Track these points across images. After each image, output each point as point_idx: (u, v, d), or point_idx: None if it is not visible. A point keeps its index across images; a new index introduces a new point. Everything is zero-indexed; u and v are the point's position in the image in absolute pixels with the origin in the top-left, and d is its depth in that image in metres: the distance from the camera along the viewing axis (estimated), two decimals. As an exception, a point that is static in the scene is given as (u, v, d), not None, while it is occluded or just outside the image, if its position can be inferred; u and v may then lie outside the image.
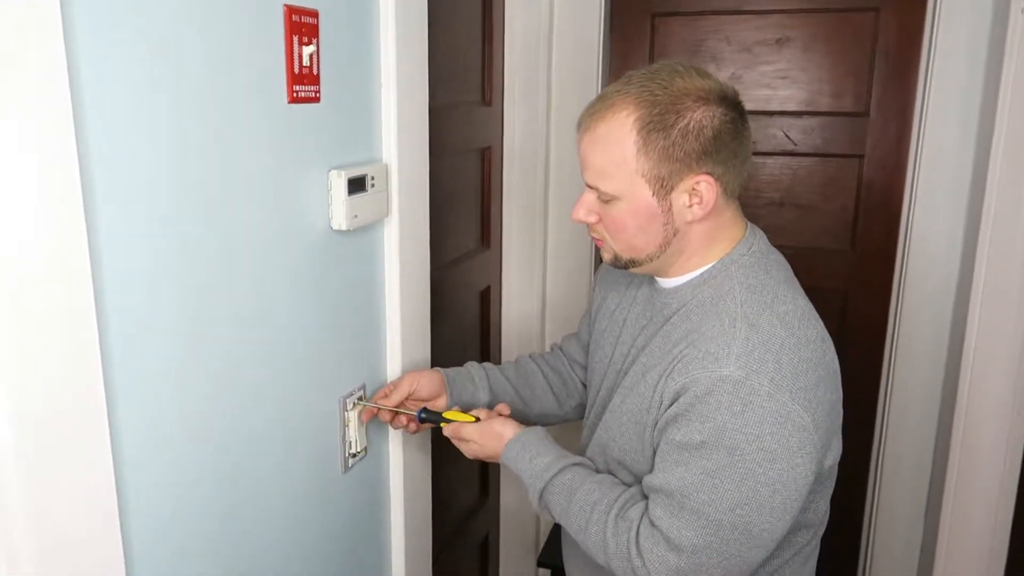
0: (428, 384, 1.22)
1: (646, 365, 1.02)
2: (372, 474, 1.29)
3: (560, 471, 1.06)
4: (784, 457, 0.89)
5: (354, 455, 1.21)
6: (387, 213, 1.19)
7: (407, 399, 1.22)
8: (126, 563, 0.79)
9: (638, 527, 0.96)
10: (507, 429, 1.12)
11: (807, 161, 1.91)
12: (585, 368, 1.31)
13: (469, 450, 1.15)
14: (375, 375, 1.26)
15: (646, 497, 0.99)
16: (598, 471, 1.09)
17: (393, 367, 1.29)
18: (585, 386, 1.32)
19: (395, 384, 1.22)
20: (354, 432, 1.19)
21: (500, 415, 1.16)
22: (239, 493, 0.97)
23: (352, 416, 1.18)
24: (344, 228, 1.07)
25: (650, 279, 1.09)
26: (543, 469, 1.07)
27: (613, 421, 1.05)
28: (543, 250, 1.99)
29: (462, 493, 1.87)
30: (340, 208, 1.06)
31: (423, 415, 1.20)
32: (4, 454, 0.65)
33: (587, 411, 1.19)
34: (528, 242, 1.96)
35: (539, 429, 1.12)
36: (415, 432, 1.24)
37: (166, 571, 0.86)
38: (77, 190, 0.68)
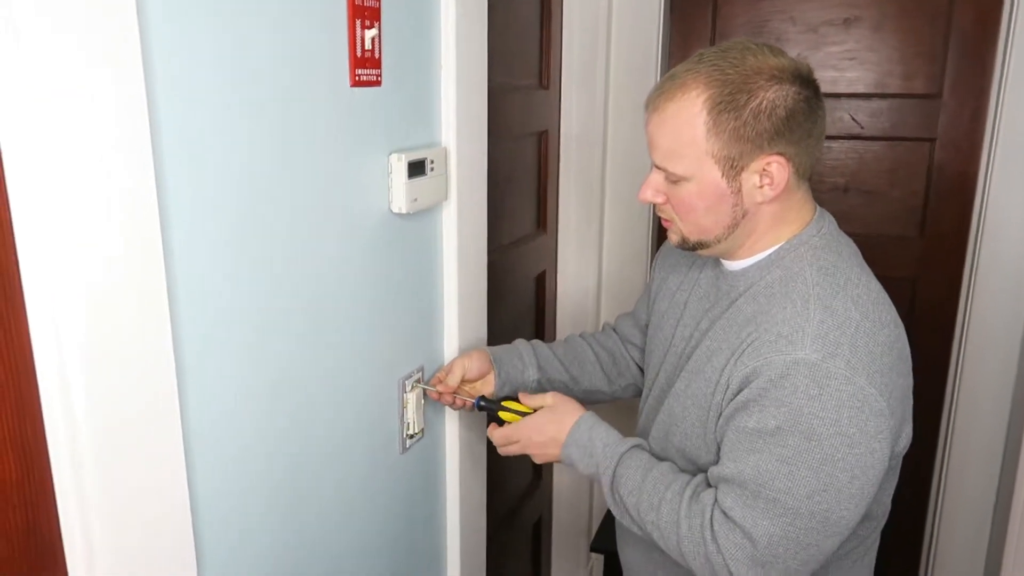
0: (477, 365, 1.21)
1: (711, 349, 1.00)
2: (429, 455, 1.30)
3: (638, 446, 1.06)
4: (862, 442, 0.88)
5: (412, 436, 1.22)
6: (446, 197, 1.19)
7: (461, 382, 1.22)
8: (195, 541, 0.81)
9: (711, 513, 0.94)
10: (576, 407, 1.11)
11: (874, 145, 1.85)
12: (640, 349, 1.30)
13: (520, 447, 1.12)
14: (433, 357, 1.27)
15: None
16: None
17: (450, 349, 1.29)
18: (640, 368, 1.31)
19: (447, 369, 1.22)
20: (412, 413, 1.20)
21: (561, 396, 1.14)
22: (303, 472, 0.99)
23: (410, 398, 1.19)
24: (404, 211, 1.07)
25: (715, 261, 1.08)
26: (621, 440, 1.06)
27: (677, 405, 1.04)
28: (599, 234, 1.98)
29: (516, 476, 1.88)
30: (400, 191, 1.06)
31: (481, 403, 1.19)
32: (79, 432, 0.66)
33: (644, 394, 1.18)
34: (584, 226, 1.95)
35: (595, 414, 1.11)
36: (471, 411, 1.24)
37: (234, 546, 0.88)
38: (150, 173, 0.69)
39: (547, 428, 1.11)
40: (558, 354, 1.29)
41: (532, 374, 1.26)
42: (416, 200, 1.09)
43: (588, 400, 1.32)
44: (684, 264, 1.16)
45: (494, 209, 1.46)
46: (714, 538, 0.94)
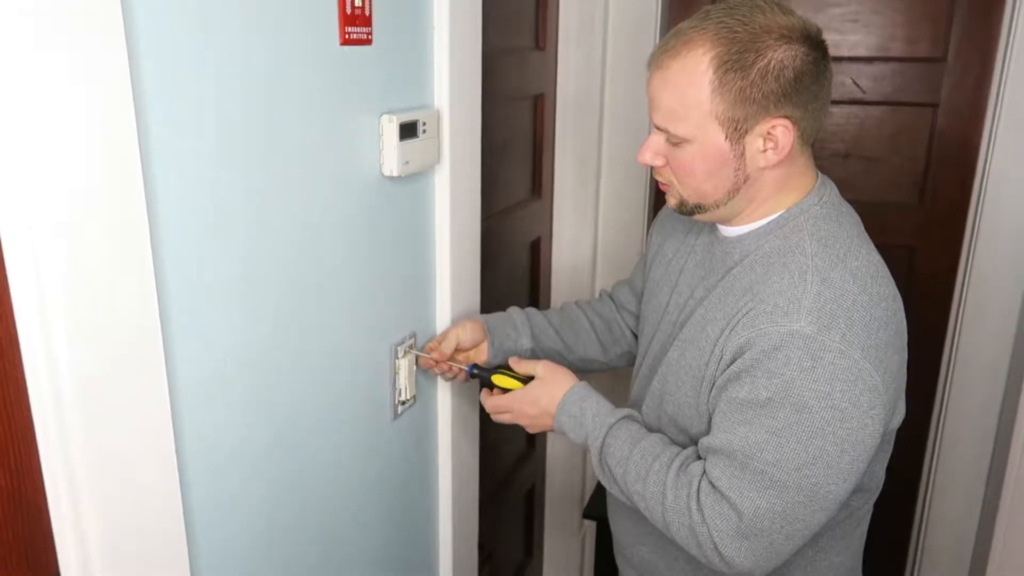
0: (471, 334, 1.22)
1: (705, 317, 1.00)
2: (421, 422, 1.30)
3: (628, 417, 1.06)
4: (854, 416, 0.87)
5: (403, 403, 1.22)
6: (438, 160, 1.18)
7: (454, 351, 1.22)
8: (184, 504, 0.81)
9: (699, 484, 0.95)
10: (568, 377, 1.11)
11: (876, 110, 1.84)
12: (636, 317, 1.29)
13: (512, 417, 1.13)
14: (425, 324, 1.27)
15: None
16: (650, 430, 1.08)
17: (442, 316, 1.29)
18: (635, 335, 1.31)
19: (441, 338, 1.22)
20: (404, 380, 1.20)
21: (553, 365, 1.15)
22: (294, 436, 0.99)
23: (402, 364, 1.19)
24: (395, 174, 1.07)
25: (711, 226, 1.07)
26: (610, 411, 1.07)
27: (670, 375, 1.04)
28: (595, 200, 1.97)
29: (509, 444, 1.88)
30: (391, 154, 1.05)
31: (474, 371, 1.20)
32: (64, 393, 0.66)
33: (638, 363, 1.18)
34: (581, 192, 1.94)
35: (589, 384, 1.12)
36: (463, 382, 1.25)
37: (224, 508, 0.89)
38: (132, 129, 0.68)
39: (539, 400, 1.11)
40: (552, 322, 1.29)
41: (526, 343, 1.26)
42: (408, 163, 1.08)
43: (583, 369, 1.32)
44: (681, 229, 1.15)
45: (488, 173, 1.45)
46: (699, 508, 0.94)
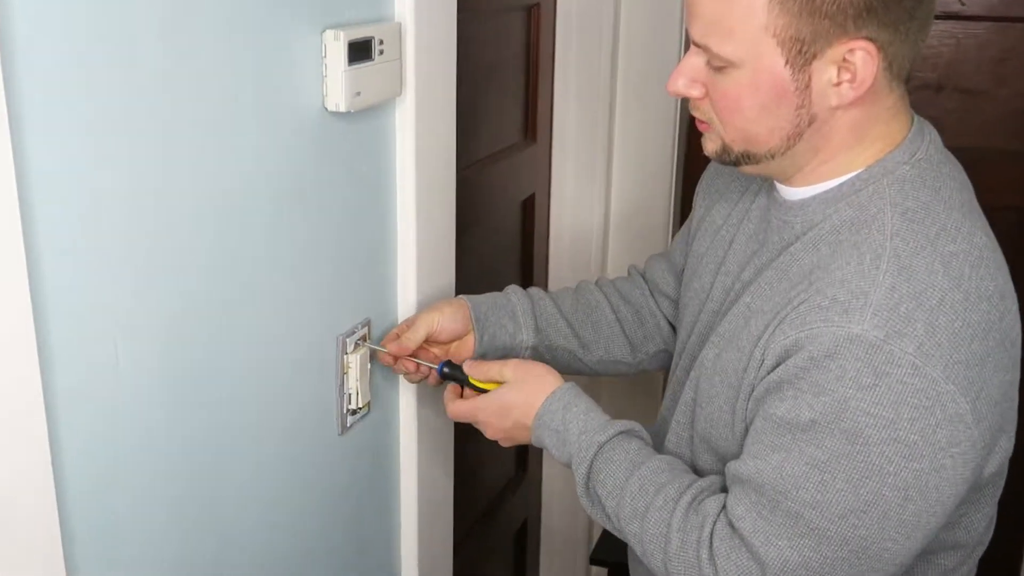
0: (450, 320, 1.22)
1: (751, 307, 1.00)
2: (378, 437, 1.31)
3: (626, 433, 1.07)
4: (925, 454, 0.87)
5: (354, 412, 1.23)
6: (400, 91, 1.18)
7: (426, 343, 1.23)
8: (62, 535, 0.81)
9: (713, 527, 0.96)
10: (547, 378, 1.13)
11: (978, 28, 1.84)
12: (675, 303, 1.30)
13: (483, 429, 1.16)
14: (383, 308, 1.27)
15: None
16: (674, 455, 1.10)
17: (406, 298, 1.30)
18: (674, 328, 1.32)
19: (409, 323, 1.23)
20: (355, 382, 1.21)
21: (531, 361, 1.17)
22: (207, 457, 0.99)
23: (353, 361, 1.20)
24: (342, 109, 1.07)
25: (770, 186, 1.07)
26: (602, 425, 1.08)
27: (703, 381, 1.05)
28: (608, 146, 1.98)
29: (494, 465, 1.89)
30: (337, 82, 1.05)
31: (445, 370, 1.21)
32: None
33: (673, 364, 1.19)
34: (588, 134, 1.94)
35: (577, 387, 1.14)
36: (435, 385, 1.25)
37: (111, 546, 0.89)
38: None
39: (511, 409, 1.13)
40: (564, 310, 1.30)
41: (527, 338, 1.27)
42: (359, 95, 1.08)
43: (602, 373, 1.35)
44: (735, 189, 1.15)
45: (466, 109, 1.46)
46: (712, 558, 0.95)
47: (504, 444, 1.17)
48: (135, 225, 0.85)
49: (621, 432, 1.07)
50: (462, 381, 1.20)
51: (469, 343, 1.24)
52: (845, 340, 0.87)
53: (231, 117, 0.94)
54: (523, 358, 1.26)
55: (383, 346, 1.23)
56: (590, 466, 1.06)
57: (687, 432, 1.09)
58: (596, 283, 1.36)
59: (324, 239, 1.12)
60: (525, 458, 2.03)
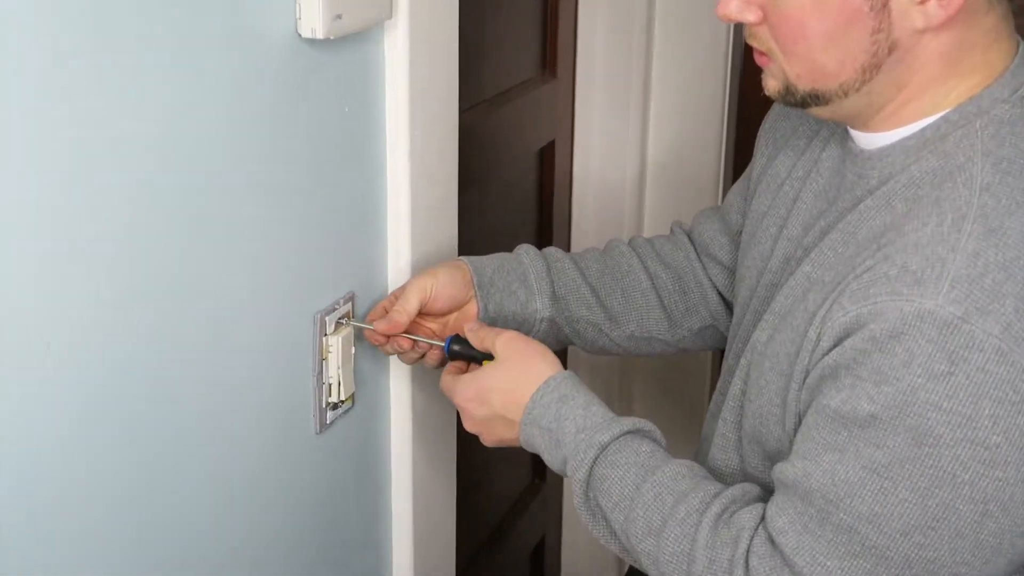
0: (447, 286, 1.24)
1: (810, 278, 1.02)
2: (364, 437, 1.31)
3: (635, 433, 1.08)
4: (1011, 460, 0.87)
5: (335, 406, 1.23)
6: (389, 14, 1.18)
7: (421, 316, 1.24)
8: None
9: (750, 541, 0.97)
10: (542, 361, 1.14)
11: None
12: (729, 270, 1.32)
13: (472, 419, 1.18)
14: (369, 279, 1.28)
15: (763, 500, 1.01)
16: (720, 462, 1.11)
17: (398, 266, 1.30)
18: (727, 302, 1.33)
19: (399, 293, 1.24)
20: (336, 370, 1.21)
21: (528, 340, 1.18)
22: (155, 461, 0.99)
23: (334, 344, 1.20)
24: (319, 36, 1.07)
25: (843, 133, 1.07)
26: (605, 422, 1.09)
27: (754, 367, 1.06)
28: (644, 80, 1.97)
29: (506, 472, 1.90)
30: (313, 3, 1.05)
31: (455, 347, 1.21)
32: None
33: (727, 349, 1.20)
34: (620, 67, 1.93)
35: (577, 376, 1.15)
36: (436, 367, 1.26)
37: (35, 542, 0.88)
38: None
39: (489, 395, 1.14)
40: (589, 274, 1.32)
41: (541, 308, 1.28)
42: (340, 18, 1.08)
43: (633, 352, 1.36)
44: (803, 135, 1.16)
45: (471, 37, 1.45)
46: None
47: (487, 442, 1.19)
48: (69, 178, 0.85)
49: (628, 431, 1.08)
50: (476, 358, 1.20)
51: (471, 314, 1.26)
52: (915, 317, 0.88)
53: (181, 46, 0.93)
54: (537, 332, 1.27)
55: (369, 323, 1.23)
56: (590, 472, 1.07)
57: (735, 433, 1.10)
58: (629, 243, 1.37)
59: (297, 196, 1.12)
60: (542, 465, 2.02)
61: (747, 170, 1.28)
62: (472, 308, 1.26)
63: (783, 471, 0.96)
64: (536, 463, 2.03)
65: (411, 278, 1.25)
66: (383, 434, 1.35)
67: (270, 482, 1.16)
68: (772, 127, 1.22)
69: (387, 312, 1.22)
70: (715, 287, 1.33)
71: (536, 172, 1.88)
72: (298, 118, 1.10)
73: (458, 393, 1.17)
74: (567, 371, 1.14)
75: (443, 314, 1.25)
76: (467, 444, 1.48)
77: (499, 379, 1.14)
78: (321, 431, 1.22)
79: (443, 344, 1.22)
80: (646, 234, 2.03)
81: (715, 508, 0.99)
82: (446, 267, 1.26)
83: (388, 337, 1.22)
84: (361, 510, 1.33)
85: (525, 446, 1.14)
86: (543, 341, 1.22)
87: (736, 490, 1.02)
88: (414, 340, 1.22)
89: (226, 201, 1.02)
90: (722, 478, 1.10)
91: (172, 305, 0.98)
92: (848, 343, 0.91)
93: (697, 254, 1.35)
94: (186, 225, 0.98)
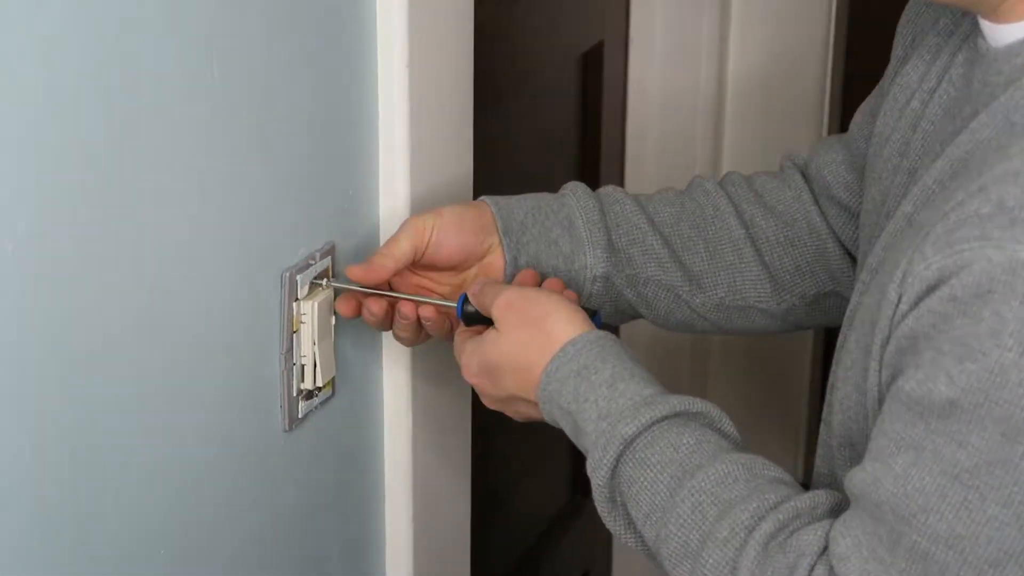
0: (455, 228, 1.26)
1: (912, 221, 1.04)
2: (348, 436, 1.33)
3: (673, 418, 1.08)
4: None
5: (310, 394, 1.24)
6: None
7: (415, 269, 1.27)
8: None
9: (811, 572, 0.98)
10: (559, 319, 1.15)
11: None
12: (853, 214, 1.33)
13: (487, 397, 1.21)
14: (355, 225, 1.29)
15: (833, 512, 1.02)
16: (817, 474, 1.14)
17: (393, 208, 1.31)
18: (853, 259, 1.33)
19: (390, 245, 1.26)
20: (311, 347, 1.22)
21: (563, 296, 1.20)
22: (77, 465, 0.99)
23: (308, 312, 1.21)
24: None
25: (974, 34, 1.08)
26: (635, 404, 1.09)
27: (845, 345, 1.08)
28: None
29: (538, 485, 1.91)
30: None
31: (469, 308, 1.22)
32: None
33: (847, 316, 1.19)
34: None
35: (613, 337, 1.16)
36: (446, 338, 1.26)
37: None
38: None
39: (501, 375, 1.17)
40: (660, 221, 1.34)
41: (592, 263, 1.30)
42: None
43: (729, 329, 1.40)
44: (942, 32, 1.16)
45: None
46: None
47: (519, 420, 1.23)
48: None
49: (667, 417, 1.08)
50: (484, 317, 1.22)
51: (494, 269, 1.27)
52: (1006, 270, 0.88)
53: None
54: (588, 297, 1.29)
55: (357, 281, 1.24)
56: (612, 474, 1.08)
57: (825, 430, 1.12)
58: (720, 181, 1.38)
59: (258, 113, 1.12)
60: (583, 475, 2.03)
61: (881, 81, 1.28)
62: (497, 262, 1.28)
63: (852, 478, 0.97)
64: (578, 472, 2.02)
65: (408, 219, 1.27)
66: (373, 432, 1.36)
67: (222, 496, 1.16)
68: (909, 21, 1.23)
69: (369, 267, 1.23)
70: (838, 239, 1.34)
71: (578, 85, 1.88)
72: (259, 4, 1.10)
73: (465, 367, 1.20)
74: (593, 331, 1.14)
75: (452, 268, 1.27)
76: (486, 448, 1.49)
77: (505, 352, 1.16)
78: (291, 428, 1.22)
79: (455, 305, 1.22)
80: (723, 166, 2.04)
81: (768, 525, 0.99)
82: (459, 209, 1.28)
83: (367, 297, 1.23)
84: (344, 534, 1.34)
85: (556, 425, 1.17)
86: (595, 309, 1.23)
87: (803, 500, 1.01)
88: (413, 301, 1.23)
89: (165, 123, 1.02)
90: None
91: (92, 262, 0.97)
92: (926, 304, 0.92)
93: (814, 196, 1.36)
94: (136, 154, 0.98)
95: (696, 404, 1.10)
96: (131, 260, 1.01)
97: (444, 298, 1.26)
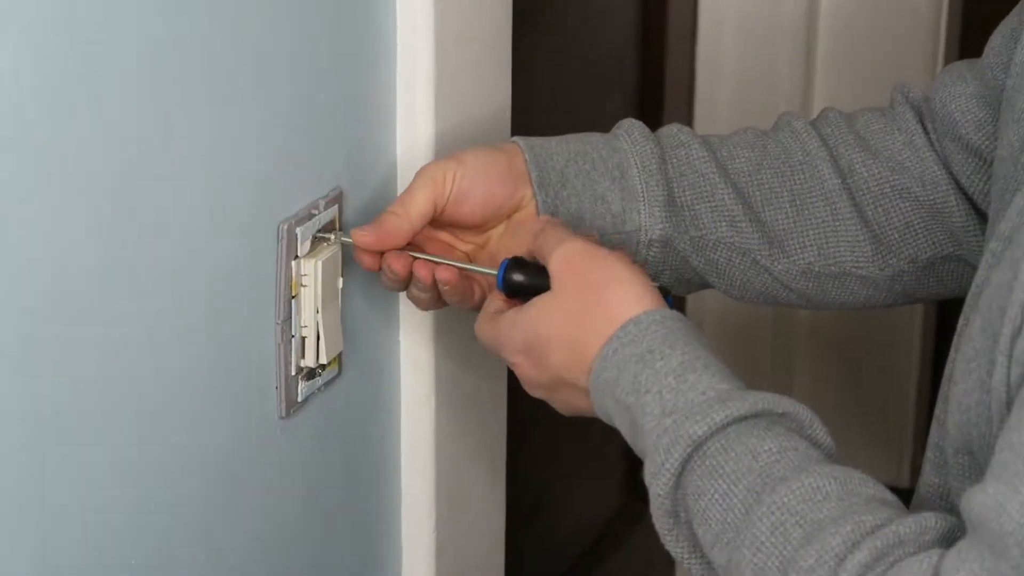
0: (480, 176, 1.26)
1: None
2: (357, 424, 1.35)
3: (756, 417, 1.08)
4: None
5: (313, 373, 1.25)
6: None
7: (443, 227, 1.28)
8: None
9: None
10: (626, 292, 1.14)
11: None
12: (985, 161, 1.32)
13: (529, 382, 1.21)
14: (367, 169, 1.31)
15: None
16: (927, 487, 1.15)
17: (413, 147, 1.33)
18: (982, 215, 1.33)
19: (408, 197, 1.27)
20: (314, 314, 1.23)
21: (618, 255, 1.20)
22: (52, 470, 1.00)
23: (310, 273, 1.22)
24: None
25: None
26: (708, 400, 1.08)
27: (963, 340, 1.08)
28: None
29: (586, 485, 1.93)
30: None
31: (514, 276, 1.22)
32: None
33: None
34: None
35: (685, 319, 1.17)
36: (472, 306, 1.26)
37: None
38: None
39: (547, 352, 1.17)
40: (734, 169, 1.34)
41: (648, 223, 1.31)
42: None
43: (817, 302, 1.40)
44: None
45: None
46: None
47: (561, 411, 1.22)
48: None
49: (745, 417, 1.07)
50: (540, 289, 1.20)
51: (525, 218, 1.28)
52: None
53: None
54: (642, 263, 1.29)
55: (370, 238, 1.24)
56: (676, 483, 1.07)
57: (937, 436, 1.13)
58: (814, 121, 1.38)
59: (248, 31, 1.13)
60: (637, 475, 2.04)
61: None
62: (528, 216, 1.28)
63: (971, 499, 0.95)
64: (635, 472, 2.04)
65: (425, 168, 1.27)
66: (388, 422, 1.37)
67: (202, 498, 1.17)
68: None
69: (379, 227, 1.24)
70: (963, 191, 1.34)
71: (637, 3, 1.88)
72: None
73: (504, 344, 1.19)
74: (662, 309, 1.13)
75: (476, 226, 1.28)
76: (525, 442, 1.48)
77: (555, 323, 1.16)
78: (288, 414, 1.23)
79: (495, 272, 1.22)
80: (817, 105, 2.02)
81: (863, 554, 0.98)
82: (482, 150, 1.28)
83: (382, 257, 1.23)
84: (352, 547, 1.36)
85: (608, 421, 1.16)
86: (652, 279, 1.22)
87: (907, 525, 0.99)
88: (434, 261, 1.23)
89: (140, 49, 1.02)
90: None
91: (51, 209, 0.97)
92: None
93: (930, 137, 1.35)
94: (99, 86, 0.98)
95: (782, 403, 1.08)
96: (106, 210, 1.01)
97: (468, 260, 1.26)
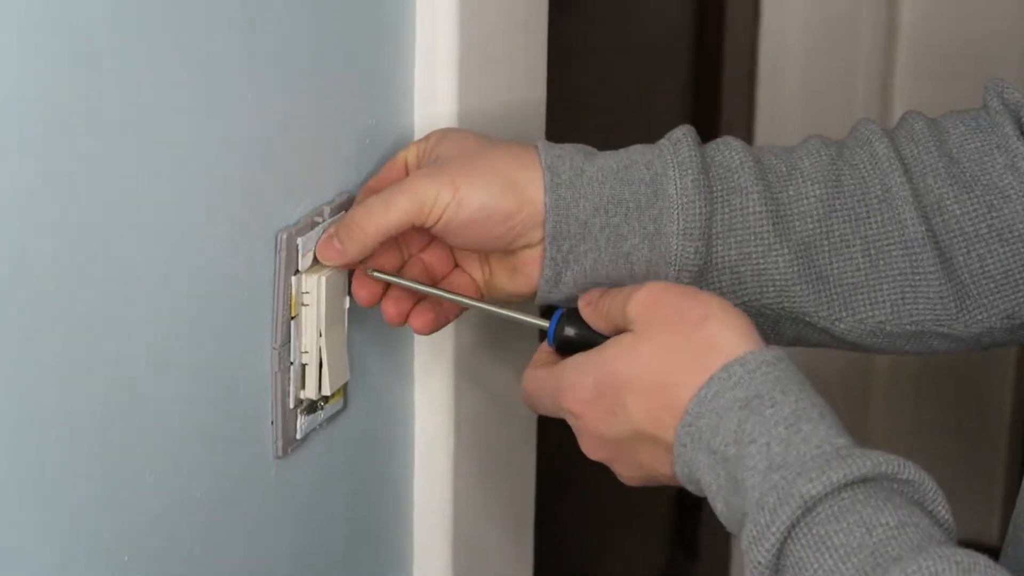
0: (479, 225, 1.26)
1: None
2: (364, 463, 1.37)
3: (876, 481, 1.07)
4: None
5: (314, 406, 1.26)
6: None
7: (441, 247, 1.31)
8: None
9: None
10: (726, 326, 1.15)
11: None
12: None
13: (594, 437, 1.20)
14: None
15: None
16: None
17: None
18: None
19: (384, 204, 1.26)
20: (316, 339, 1.24)
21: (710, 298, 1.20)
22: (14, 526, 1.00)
23: (311, 291, 1.23)
24: None
25: None
26: (824, 456, 1.07)
27: None
28: None
29: (626, 543, 1.93)
30: None
31: (568, 332, 1.23)
32: None
33: None
34: None
35: (792, 361, 1.16)
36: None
37: None
38: None
39: (625, 399, 1.16)
40: (798, 214, 1.33)
41: (678, 258, 1.29)
42: None
43: (884, 351, 1.39)
44: None
45: None
46: None
47: (626, 478, 1.22)
48: None
49: (865, 479, 1.06)
50: (592, 341, 1.20)
51: (524, 268, 1.29)
52: None
53: None
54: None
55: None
56: (779, 551, 1.06)
57: None
58: (894, 133, 1.37)
59: (244, 6, 1.13)
60: (695, 524, 2.06)
61: None
62: (530, 263, 1.29)
63: None
64: (683, 527, 2.05)
65: (418, 176, 1.27)
66: (400, 463, 1.39)
67: (187, 548, 1.18)
68: None
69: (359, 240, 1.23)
70: None
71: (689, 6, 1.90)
72: None
73: (566, 393, 1.18)
74: (771, 348, 1.13)
75: (479, 248, 1.29)
76: (557, 489, 1.48)
77: (640, 361, 1.15)
78: (286, 453, 1.24)
79: (546, 325, 1.22)
80: (898, 109, 2.01)
81: None
82: (489, 183, 1.26)
83: (392, 285, 1.25)
84: None
85: (688, 485, 1.15)
86: None
87: None
88: (436, 295, 1.25)
89: (123, 30, 1.02)
90: None
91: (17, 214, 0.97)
92: None
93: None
94: (82, 73, 0.98)
95: (907, 469, 1.07)
96: (79, 219, 1.01)
97: (475, 288, 1.28)
